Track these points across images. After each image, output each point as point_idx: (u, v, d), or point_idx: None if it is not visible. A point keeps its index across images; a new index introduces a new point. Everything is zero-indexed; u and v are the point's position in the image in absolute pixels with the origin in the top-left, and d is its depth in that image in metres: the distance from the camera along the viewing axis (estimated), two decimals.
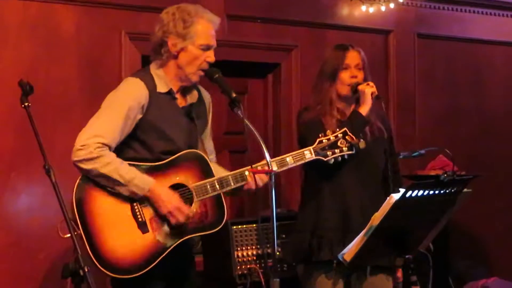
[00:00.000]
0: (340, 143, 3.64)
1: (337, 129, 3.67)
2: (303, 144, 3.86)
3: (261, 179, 3.49)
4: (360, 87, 3.97)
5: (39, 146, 3.01)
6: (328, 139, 3.64)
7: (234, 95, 3.45)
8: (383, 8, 5.72)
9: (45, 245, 4.44)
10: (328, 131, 3.66)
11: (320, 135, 3.65)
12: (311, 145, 3.66)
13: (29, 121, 3.06)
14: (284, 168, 3.59)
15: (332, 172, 3.93)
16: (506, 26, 6.48)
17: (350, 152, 3.65)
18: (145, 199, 3.37)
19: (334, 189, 3.97)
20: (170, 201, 3.37)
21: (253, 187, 3.50)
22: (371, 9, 5.71)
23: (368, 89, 3.95)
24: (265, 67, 5.53)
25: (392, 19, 5.88)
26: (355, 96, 4.02)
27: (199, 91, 3.65)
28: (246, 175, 3.50)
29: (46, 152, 3.00)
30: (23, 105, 3.11)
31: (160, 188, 3.38)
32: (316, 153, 3.62)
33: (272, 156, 3.45)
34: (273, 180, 3.32)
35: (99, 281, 3.20)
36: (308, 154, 3.63)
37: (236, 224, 4.54)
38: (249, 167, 3.48)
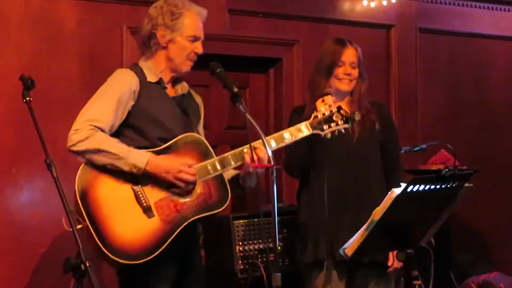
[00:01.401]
0: (336, 117, 3.65)
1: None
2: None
3: (259, 157, 3.45)
4: (317, 103, 3.83)
5: (40, 140, 3.01)
6: (323, 114, 3.65)
7: (235, 89, 3.45)
8: (384, 3, 5.72)
9: (47, 240, 4.45)
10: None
11: (314, 112, 3.66)
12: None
13: (30, 115, 3.07)
14: (282, 145, 3.59)
15: (324, 169, 3.93)
16: (508, 21, 6.47)
17: (346, 126, 3.66)
18: (146, 177, 3.37)
19: (322, 187, 3.95)
20: (173, 163, 3.38)
21: (250, 169, 3.50)
22: (373, 4, 5.71)
23: (321, 107, 3.77)
24: (267, 61, 5.53)
25: (393, 14, 5.88)
26: (350, 90, 4.03)
27: (190, 92, 3.69)
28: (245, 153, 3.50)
29: (47, 147, 3.00)
30: (24, 100, 3.12)
31: (158, 157, 3.39)
32: (313, 128, 3.64)
33: (273, 153, 3.46)
34: (275, 175, 3.32)
35: (100, 275, 3.20)
36: (305, 128, 3.64)
37: (237, 219, 4.54)
38: (253, 144, 3.46)
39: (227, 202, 3.50)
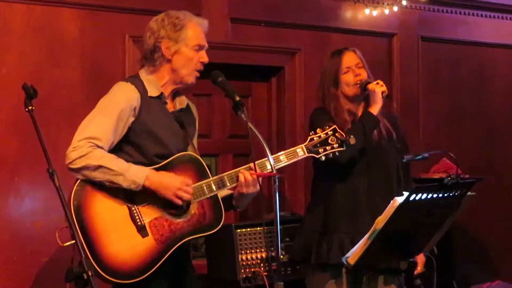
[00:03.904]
0: (331, 140, 3.67)
1: (327, 127, 3.68)
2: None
3: (248, 181, 3.49)
4: (370, 86, 3.98)
5: (42, 150, 3.01)
6: (319, 137, 3.67)
7: (237, 98, 3.45)
8: (386, 11, 5.72)
9: (49, 249, 4.44)
10: (318, 129, 3.69)
11: (310, 133, 3.68)
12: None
13: (32, 124, 3.06)
14: (278, 166, 3.59)
15: (344, 172, 3.94)
16: (510, 29, 6.48)
17: (340, 149, 3.68)
18: (142, 196, 3.36)
19: (345, 190, 3.98)
20: (174, 180, 3.38)
21: (244, 190, 3.50)
22: (375, 12, 5.71)
23: (379, 88, 3.96)
24: (269, 70, 5.53)
25: (395, 22, 5.88)
26: (364, 94, 4.03)
27: (187, 105, 3.68)
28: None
29: (49, 156, 3.00)
30: (26, 109, 3.11)
31: (157, 173, 3.38)
32: (308, 151, 3.66)
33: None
34: (277, 184, 3.32)
35: (102, 285, 3.20)
36: (301, 151, 3.66)
37: (240, 228, 4.54)
38: (249, 165, 3.49)
39: (221, 224, 3.50)
